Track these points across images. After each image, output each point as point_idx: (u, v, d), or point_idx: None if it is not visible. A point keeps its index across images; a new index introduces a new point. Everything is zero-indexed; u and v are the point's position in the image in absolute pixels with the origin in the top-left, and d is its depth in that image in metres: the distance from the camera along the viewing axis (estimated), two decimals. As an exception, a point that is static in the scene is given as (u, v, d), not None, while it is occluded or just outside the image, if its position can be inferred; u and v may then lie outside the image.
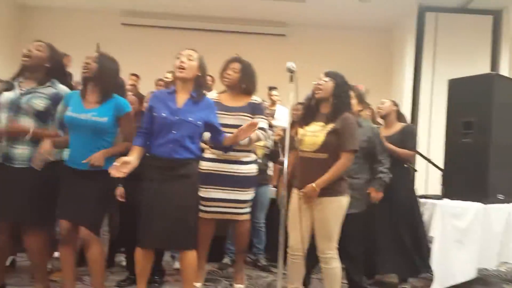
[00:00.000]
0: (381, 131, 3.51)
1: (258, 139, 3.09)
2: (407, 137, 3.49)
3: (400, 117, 3.67)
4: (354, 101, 3.15)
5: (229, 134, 2.66)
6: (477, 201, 3.64)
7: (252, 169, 3.12)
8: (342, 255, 2.65)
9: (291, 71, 2.44)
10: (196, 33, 7.20)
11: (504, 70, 5.93)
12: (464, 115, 3.84)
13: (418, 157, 5.32)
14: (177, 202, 2.42)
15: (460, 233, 3.55)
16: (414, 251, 3.41)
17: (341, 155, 2.59)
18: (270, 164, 4.13)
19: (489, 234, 3.60)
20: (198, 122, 2.50)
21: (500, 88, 3.78)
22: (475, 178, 3.74)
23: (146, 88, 4.74)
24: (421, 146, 5.82)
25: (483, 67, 5.90)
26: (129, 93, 4.09)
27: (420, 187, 5.67)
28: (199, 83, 2.58)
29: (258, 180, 3.76)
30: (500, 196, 3.77)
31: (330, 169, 2.54)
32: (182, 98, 2.54)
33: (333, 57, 6.90)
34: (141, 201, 2.47)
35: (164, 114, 2.47)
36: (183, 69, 2.50)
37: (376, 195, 3.18)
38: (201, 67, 2.57)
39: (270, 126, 5.14)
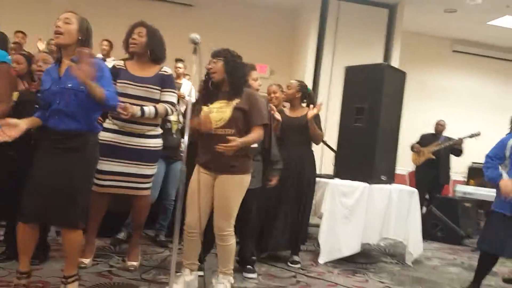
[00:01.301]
0: (286, 113, 3.63)
1: (166, 113, 2.96)
2: (317, 121, 3.60)
3: (304, 99, 3.74)
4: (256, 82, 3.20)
5: (129, 105, 2.63)
6: (364, 181, 3.93)
7: (157, 143, 3.00)
8: (236, 231, 2.68)
9: (194, 42, 2.34)
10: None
11: (395, 61, 6.42)
12: (357, 101, 4.09)
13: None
14: (61, 176, 2.24)
15: (347, 210, 3.82)
16: (300, 226, 3.60)
17: (252, 129, 2.58)
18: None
19: (372, 211, 3.91)
20: (81, 87, 2.26)
21: (390, 77, 4.08)
22: (363, 160, 4.03)
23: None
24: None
25: (377, 57, 6.32)
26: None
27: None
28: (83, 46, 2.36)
29: (172, 156, 3.69)
30: (383, 177, 4.11)
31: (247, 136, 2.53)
32: (64, 66, 2.35)
33: (240, 33, 6.89)
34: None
35: (46, 87, 2.31)
36: (60, 34, 2.30)
37: (275, 182, 3.22)
38: (82, 30, 2.36)
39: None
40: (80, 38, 2.35)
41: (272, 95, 3.68)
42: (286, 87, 3.74)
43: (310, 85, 6.30)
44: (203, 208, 2.57)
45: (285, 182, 3.13)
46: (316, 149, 5.68)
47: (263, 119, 2.63)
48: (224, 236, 2.58)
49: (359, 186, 3.90)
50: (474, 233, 5.63)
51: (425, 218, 5.35)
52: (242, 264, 3.19)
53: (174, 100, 3.02)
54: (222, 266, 2.66)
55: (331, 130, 5.11)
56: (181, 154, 3.91)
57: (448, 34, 7.92)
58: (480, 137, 5.75)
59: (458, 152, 6.21)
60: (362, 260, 3.92)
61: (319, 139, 3.71)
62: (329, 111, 6.13)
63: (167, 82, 2.96)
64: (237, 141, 2.41)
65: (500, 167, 3.17)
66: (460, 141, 5.98)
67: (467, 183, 6.93)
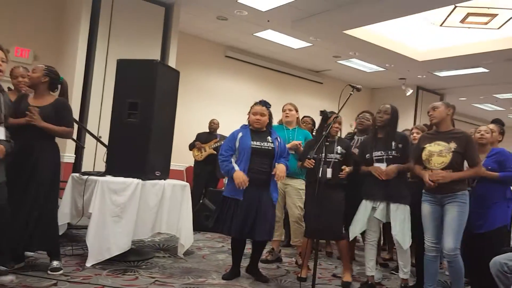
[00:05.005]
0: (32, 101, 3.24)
1: None
2: (63, 112, 3.30)
3: (53, 86, 3.38)
4: None
5: None
6: (137, 178, 3.87)
7: None
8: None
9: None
10: None
11: (171, 60, 6.57)
12: (131, 96, 4.02)
13: (88, 135, 5.26)
14: None
15: (118, 208, 3.69)
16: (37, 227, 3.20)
17: None
18: None
19: (145, 208, 3.88)
20: None
21: (163, 75, 4.13)
22: (136, 156, 3.98)
23: None
24: (91, 124, 5.81)
25: (154, 55, 6.36)
26: None
27: (89, 165, 5.65)
28: None
29: None
30: (157, 173, 4.14)
31: None
32: None
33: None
34: None
35: None
36: None
37: None
38: None
39: None
40: None
41: (20, 78, 3.46)
42: (31, 71, 3.35)
43: (81, 76, 5.89)
44: None
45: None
46: (91, 146, 5.40)
47: None
48: None
49: (132, 182, 3.81)
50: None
51: (199, 210, 5.67)
52: None
53: None
54: None
55: (106, 125, 4.91)
56: None
57: (221, 40, 8.56)
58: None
59: None
60: (134, 258, 3.86)
61: (63, 135, 3.37)
62: (103, 106, 5.87)
63: None
64: None
65: (232, 159, 3.56)
66: None
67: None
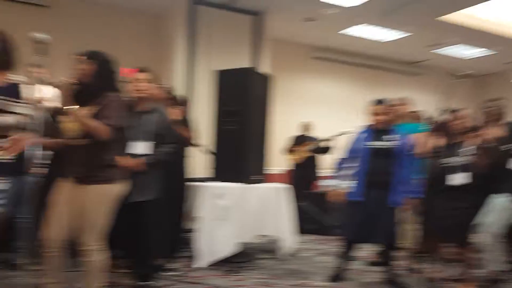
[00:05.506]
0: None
1: None
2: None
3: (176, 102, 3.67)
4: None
5: None
6: (238, 182, 4.01)
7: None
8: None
9: (41, 41, 2.13)
10: None
11: (265, 67, 6.66)
12: (229, 104, 4.17)
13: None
14: None
15: (223, 211, 3.85)
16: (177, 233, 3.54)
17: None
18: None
19: (247, 211, 4.00)
20: None
21: (256, 81, 4.24)
22: (238, 161, 4.12)
23: None
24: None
25: (245, 63, 6.51)
26: None
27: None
28: None
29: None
30: (256, 177, 4.24)
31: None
32: None
33: (100, 36, 6.49)
34: None
35: None
36: None
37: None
38: None
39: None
40: None
41: None
42: None
43: (181, 88, 6.23)
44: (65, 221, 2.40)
45: None
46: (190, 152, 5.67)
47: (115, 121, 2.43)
48: (88, 252, 2.41)
49: (234, 187, 3.96)
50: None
51: (299, 213, 5.66)
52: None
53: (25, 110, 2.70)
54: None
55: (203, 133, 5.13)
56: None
57: (308, 42, 8.51)
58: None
59: (325, 150, 6.74)
60: (239, 259, 3.97)
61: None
62: (200, 114, 6.14)
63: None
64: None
65: (348, 171, 3.52)
66: (331, 139, 6.49)
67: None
